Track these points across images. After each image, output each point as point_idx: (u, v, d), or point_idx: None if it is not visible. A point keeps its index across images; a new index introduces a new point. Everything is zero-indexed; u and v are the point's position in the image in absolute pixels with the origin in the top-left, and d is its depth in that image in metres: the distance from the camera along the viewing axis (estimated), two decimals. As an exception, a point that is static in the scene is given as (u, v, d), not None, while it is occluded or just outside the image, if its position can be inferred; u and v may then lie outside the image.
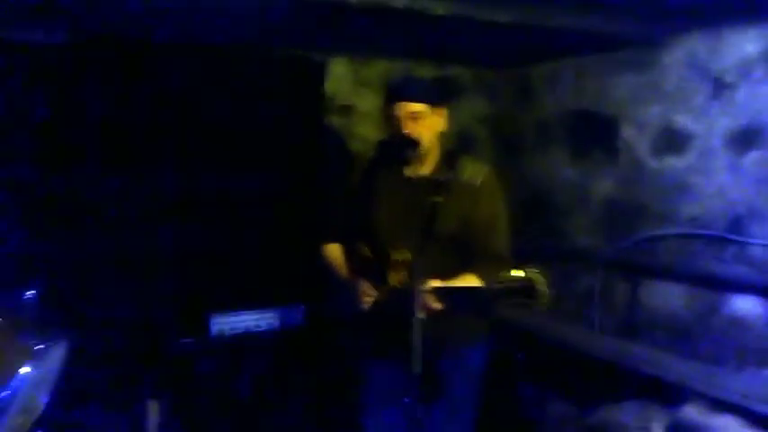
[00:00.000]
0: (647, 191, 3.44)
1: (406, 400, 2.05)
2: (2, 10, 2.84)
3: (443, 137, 2.71)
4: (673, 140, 3.30)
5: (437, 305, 2.36)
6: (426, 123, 2.58)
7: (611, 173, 3.65)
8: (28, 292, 2.29)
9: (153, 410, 3.26)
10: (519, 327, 3.72)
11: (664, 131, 3.35)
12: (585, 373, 3.40)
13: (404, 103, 2.56)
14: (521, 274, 2.18)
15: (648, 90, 3.41)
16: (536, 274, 2.16)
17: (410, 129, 2.55)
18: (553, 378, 3.65)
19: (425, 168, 2.67)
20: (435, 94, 2.64)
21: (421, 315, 2.18)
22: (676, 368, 3.03)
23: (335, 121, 4.01)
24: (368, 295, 2.61)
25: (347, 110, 4.04)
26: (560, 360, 3.54)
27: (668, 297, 3.33)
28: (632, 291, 3.51)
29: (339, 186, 2.94)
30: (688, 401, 2.88)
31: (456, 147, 2.93)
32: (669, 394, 2.97)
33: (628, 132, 3.54)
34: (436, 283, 2.38)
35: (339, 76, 4.01)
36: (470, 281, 2.51)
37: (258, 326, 3.43)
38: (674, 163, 3.31)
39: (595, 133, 3.72)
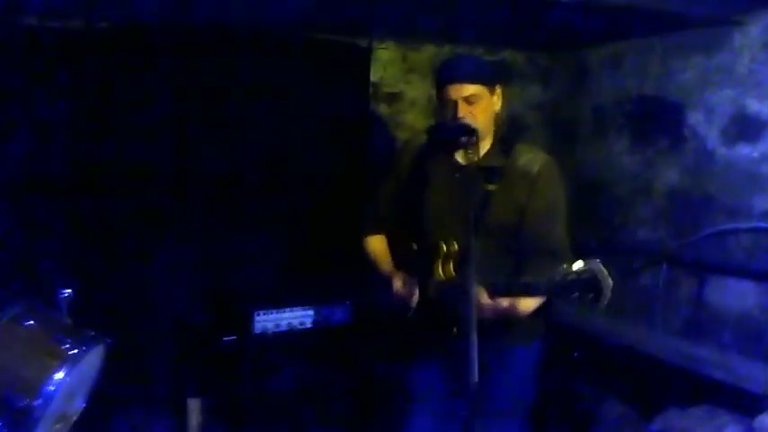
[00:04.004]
0: (716, 181, 3.29)
1: (462, 413, 1.90)
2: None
3: (499, 118, 2.54)
4: (745, 127, 3.16)
5: (488, 301, 2.21)
6: (482, 106, 2.39)
7: (677, 162, 3.50)
8: (63, 291, 2.21)
9: (195, 409, 3.22)
10: (575, 324, 3.59)
11: (735, 118, 3.21)
12: (647, 374, 3.24)
13: (457, 85, 2.36)
14: (581, 266, 1.99)
15: (719, 73, 3.26)
16: (598, 265, 1.97)
17: (465, 113, 2.36)
18: (611, 379, 3.48)
19: (478, 154, 2.46)
20: (491, 73, 2.46)
21: (475, 318, 2.02)
22: (751, 373, 2.87)
23: (382, 109, 3.90)
24: (413, 291, 2.47)
25: (394, 97, 3.93)
26: (619, 360, 3.39)
27: (739, 296, 3.19)
28: (699, 288, 3.37)
29: (384, 176, 2.78)
30: (766, 410, 2.69)
31: (511, 132, 2.76)
32: (743, 401, 2.80)
33: (695, 119, 3.40)
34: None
35: (386, 62, 3.89)
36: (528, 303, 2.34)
37: (302, 323, 3.34)
38: (746, 152, 3.17)
39: (659, 120, 3.59)
